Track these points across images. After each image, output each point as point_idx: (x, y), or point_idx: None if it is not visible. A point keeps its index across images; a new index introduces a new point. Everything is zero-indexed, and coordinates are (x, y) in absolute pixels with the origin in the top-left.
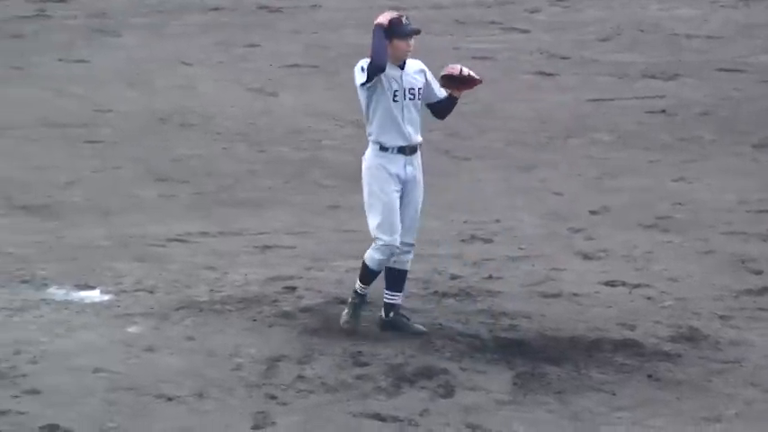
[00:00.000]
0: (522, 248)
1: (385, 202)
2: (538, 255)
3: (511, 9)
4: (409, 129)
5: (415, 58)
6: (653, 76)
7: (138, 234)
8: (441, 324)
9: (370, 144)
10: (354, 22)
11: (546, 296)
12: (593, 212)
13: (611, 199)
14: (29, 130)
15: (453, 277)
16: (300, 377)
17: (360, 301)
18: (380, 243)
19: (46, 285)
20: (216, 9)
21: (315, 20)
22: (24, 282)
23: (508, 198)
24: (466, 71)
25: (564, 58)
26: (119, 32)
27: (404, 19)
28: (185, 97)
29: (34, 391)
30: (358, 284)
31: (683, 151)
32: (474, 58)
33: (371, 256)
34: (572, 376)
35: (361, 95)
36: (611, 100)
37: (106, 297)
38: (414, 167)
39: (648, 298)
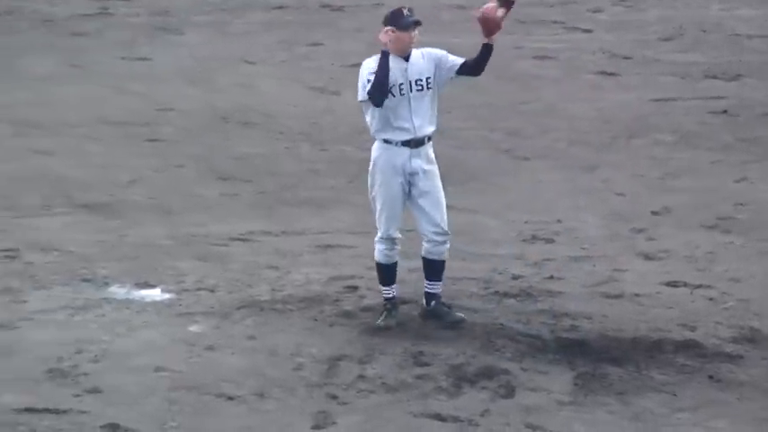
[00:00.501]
0: (583, 249)
1: (384, 195)
2: (599, 255)
3: (573, 8)
4: (417, 121)
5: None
6: (715, 77)
7: (200, 233)
8: (502, 324)
9: (376, 140)
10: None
11: (607, 296)
12: (654, 213)
13: (673, 199)
14: (90, 128)
15: (514, 277)
16: (361, 377)
17: (391, 305)
18: (380, 235)
19: (107, 284)
20: (279, 7)
21: (377, 18)
22: (86, 280)
23: (570, 198)
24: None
25: (626, 57)
26: (181, 30)
27: (405, 10)
28: (247, 96)
29: (95, 390)
30: (381, 289)
31: (745, 152)
32: (536, 57)
33: (377, 249)
34: (633, 377)
35: (361, 95)
36: (674, 100)
37: (167, 296)
38: (421, 159)
39: (710, 299)
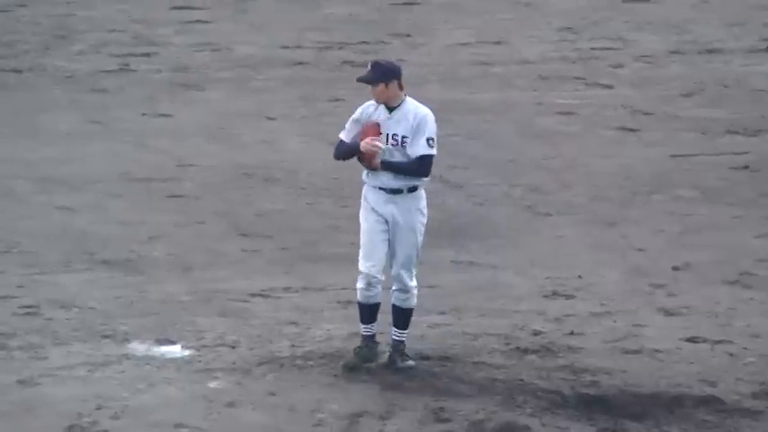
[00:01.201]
0: (603, 304)
1: (365, 230)
2: (620, 311)
3: (595, 64)
4: (387, 174)
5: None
6: (736, 132)
7: (221, 289)
8: (522, 380)
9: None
10: (438, 77)
11: (627, 352)
12: (675, 268)
13: (693, 255)
14: (111, 184)
15: (535, 333)
16: None
17: (364, 343)
18: (359, 270)
19: (127, 340)
20: (300, 63)
21: None
22: (106, 337)
23: (590, 254)
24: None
25: (647, 113)
26: (202, 87)
27: (368, 65)
28: (269, 152)
29: None
30: (360, 327)
31: (767, 207)
32: (557, 113)
33: (357, 288)
34: None
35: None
36: (695, 156)
37: (187, 352)
38: (398, 207)
39: (731, 354)
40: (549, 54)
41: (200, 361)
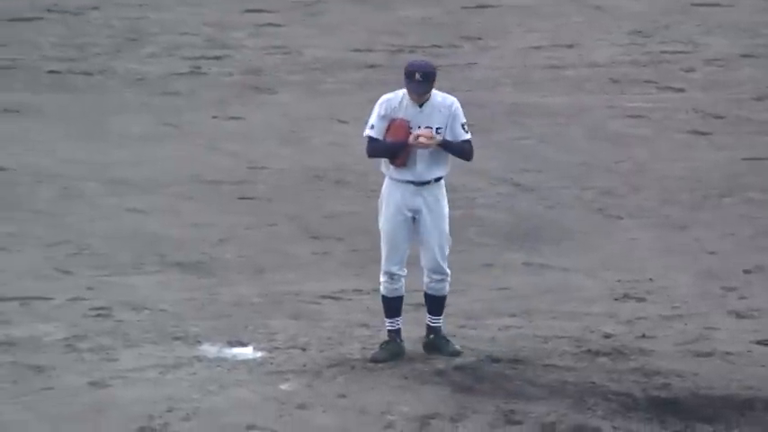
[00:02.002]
0: (675, 307)
1: (387, 230)
2: (691, 313)
3: (666, 68)
4: (419, 167)
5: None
6: None
7: (292, 291)
8: (593, 382)
9: (386, 176)
10: (510, 81)
11: (699, 355)
12: (746, 271)
13: (764, 258)
14: (183, 186)
15: (606, 336)
16: None
17: (391, 337)
18: (382, 269)
19: (199, 342)
20: (371, 67)
21: (470, 78)
22: (177, 339)
23: (661, 257)
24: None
25: (718, 117)
26: (274, 89)
27: (417, 75)
28: (340, 154)
29: None
30: (385, 321)
31: None
32: (628, 116)
33: (380, 283)
34: None
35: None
36: (766, 159)
37: (259, 354)
38: (425, 198)
39: None
40: (619, 57)
41: (271, 363)
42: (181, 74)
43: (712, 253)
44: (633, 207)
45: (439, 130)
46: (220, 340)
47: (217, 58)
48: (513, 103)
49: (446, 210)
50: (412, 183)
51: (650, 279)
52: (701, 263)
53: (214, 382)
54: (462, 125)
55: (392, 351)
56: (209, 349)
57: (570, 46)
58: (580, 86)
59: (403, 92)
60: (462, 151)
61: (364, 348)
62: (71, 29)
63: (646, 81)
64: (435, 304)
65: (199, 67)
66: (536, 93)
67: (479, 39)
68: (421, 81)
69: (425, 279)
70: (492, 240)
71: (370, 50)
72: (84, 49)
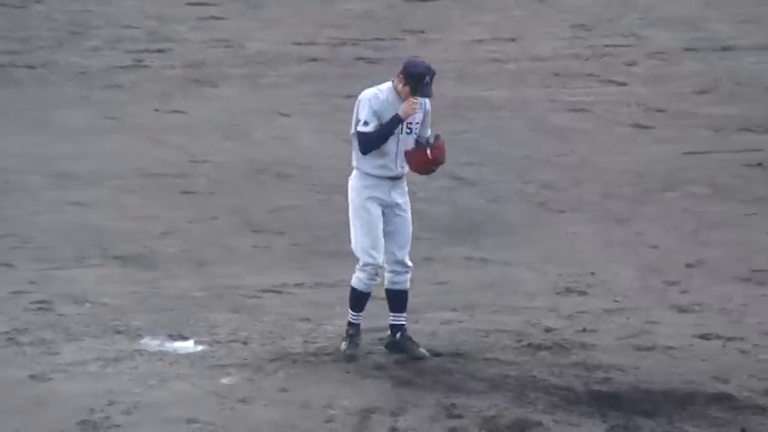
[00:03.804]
0: (616, 301)
1: (367, 222)
2: (632, 307)
3: (608, 62)
4: (398, 162)
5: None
6: (750, 130)
7: (233, 285)
8: (535, 376)
9: (355, 169)
10: (453, 74)
11: (640, 349)
12: (688, 265)
13: (706, 252)
14: (125, 180)
15: (548, 330)
16: (393, 429)
17: (354, 331)
18: (363, 263)
19: (140, 336)
20: (313, 60)
21: None
22: (119, 332)
23: (603, 250)
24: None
25: (660, 110)
26: (216, 83)
27: (427, 78)
28: (282, 148)
29: None
30: (349, 313)
31: None
32: (571, 110)
33: (355, 277)
34: (666, 429)
35: (354, 128)
36: (708, 153)
37: (200, 348)
38: (398, 193)
39: (743, 351)
40: (562, 51)
41: (212, 357)
42: (123, 67)
43: (654, 247)
44: (575, 201)
45: (417, 125)
46: (162, 334)
47: (159, 51)
48: (455, 96)
49: (409, 203)
50: (389, 178)
51: (592, 273)
52: (643, 257)
53: (155, 376)
54: (429, 124)
55: (360, 344)
56: (150, 343)
57: (513, 39)
58: (522, 80)
59: (387, 87)
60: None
61: (306, 342)
62: (14, 22)
63: (588, 75)
64: (399, 300)
65: (141, 61)
66: (478, 86)
67: (422, 32)
68: (429, 84)
69: (388, 274)
70: (433, 234)
71: (312, 44)
72: (26, 42)
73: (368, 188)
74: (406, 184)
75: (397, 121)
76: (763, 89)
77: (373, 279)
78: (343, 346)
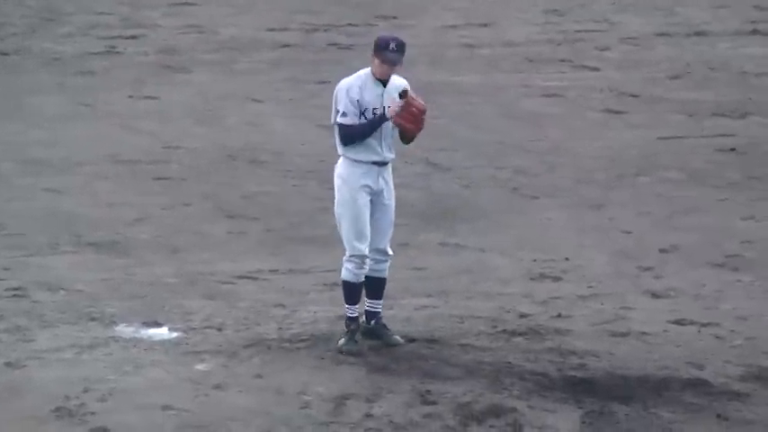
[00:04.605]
0: (590, 287)
1: (354, 212)
2: (607, 293)
3: (581, 47)
4: (384, 147)
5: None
6: (723, 115)
7: (207, 271)
8: (509, 362)
9: (342, 157)
10: (426, 59)
11: (614, 335)
12: (662, 251)
13: (680, 237)
14: (98, 166)
15: (522, 315)
16: (368, 415)
17: (355, 326)
18: (349, 253)
19: (114, 323)
20: (286, 46)
21: None
22: (93, 319)
23: (577, 236)
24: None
25: (633, 95)
26: (189, 69)
27: (392, 44)
28: (255, 134)
29: (103, 429)
30: (346, 308)
31: (753, 189)
32: (543, 95)
33: (344, 269)
34: (641, 415)
35: (334, 118)
36: (681, 138)
37: (175, 334)
38: (385, 179)
39: (718, 337)
40: (534, 36)
41: (187, 343)
42: (96, 53)
43: (628, 232)
44: (548, 186)
45: None
46: (136, 321)
47: (132, 37)
48: (428, 81)
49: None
50: (376, 164)
51: (566, 259)
52: (617, 242)
53: (130, 363)
54: None
55: (360, 340)
56: (124, 330)
57: (485, 25)
58: (495, 65)
59: (365, 73)
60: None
61: (280, 328)
62: None
63: (561, 60)
64: (376, 287)
65: (114, 47)
66: (451, 72)
67: (394, 17)
68: (395, 50)
69: (372, 260)
70: (407, 220)
71: (285, 29)
72: None
73: (356, 175)
74: (390, 170)
75: (381, 119)
76: (736, 74)
77: (361, 268)
78: (342, 341)
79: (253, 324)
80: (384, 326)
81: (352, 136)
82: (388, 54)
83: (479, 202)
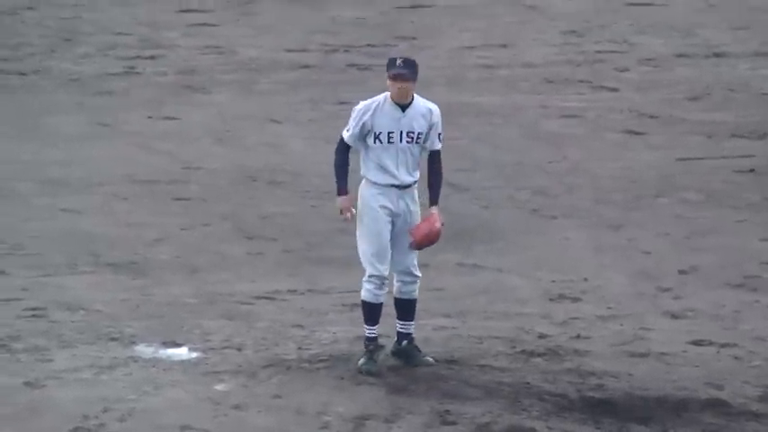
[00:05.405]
0: (610, 308)
1: (373, 233)
2: (626, 314)
3: (600, 68)
4: (401, 171)
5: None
6: (742, 136)
7: (226, 292)
8: (528, 383)
9: (363, 178)
10: (444, 80)
11: (634, 355)
12: (681, 272)
13: (699, 258)
14: (117, 186)
15: (541, 336)
16: None
17: (374, 346)
18: (368, 274)
19: (134, 343)
20: (305, 67)
21: None
22: (113, 339)
23: (596, 257)
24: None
25: (653, 117)
26: (208, 89)
27: (397, 61)
28: (274, 155)
29: None
30: (365, 328)
31: None
32: (563, 116)
33: (364, 289)
34: None
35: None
36: (700, 159)
37: (194, 355)
38: (406, 201)
39: (736, 358)
40: (553, 57)
41: (206, 363)
42: (115, 74)
43: (647, 253)
44: (567, 207)
45: (420, 136)
46: (155, 341)
47: (151, 57)
48: (447, 102)
49: (419, 211)
50: (395, 187)
51: (585, 279)
52: (636, 263)
53: (149, 383)
54: (439, 134)
55: (378, 360)
56: (144, 350)
57: (504, 46)
58: (514, 86)
59: (383, 96)
60: (441, 178)
61: (299, 349)
62: (5, 28)
63: (580, 81)
64: (406, 309)
65: (133, 67)
66: (470, 92)
67: (414, 38)
68: (403, 66)
69: (396, 283)
70: None
71: (304, 50)
72: (18, 49)
73: (375, 196)
74: (415, 193)
75: (338, 188)
76: (755, 95)
77: (381, 289)
78: (361, 361)
79: (272, 344)
80: (416, 347)
81: (337, 159)
82: (396, 70)
83: (498, 222)
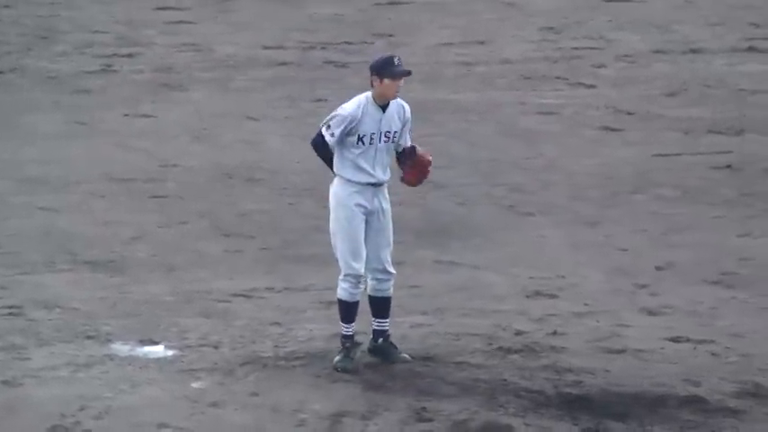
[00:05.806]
0: (586, 304)
1: (349, 231)
2: (602, 311)
3: (577, 64)
4: (377, 170)
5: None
6: (718, 132)
7: (203, 289)
8: (505, 380)
9: (337, 176)
10: (423, 77)
11: (610, 352)
12: (657, 268)
13: (675, 255)
14: (95, 185)
15: (518, 333)
16: None
17: (351, 343)
18: (344, 272)
19: (110, 341)
20: (282, 64)
21: None
22: (89, 337)
23: (572, 253)
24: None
25: (629, 113)
26: (185, 87)
27: (396, 59)
28: (251, 152)
29: None
30: (341, 326)
31: (749, 207)
32: (539, 113)
33: (340, 287)
34: None
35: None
36: (677, 155)
37: (170, 352)
38: (380, 199)
39: (713, 354)
40: (531, 54)
41: (183, 361)
42: (92, 72)
43: (623, 250)
44: (544, 204)
45: (396, 135)
46: (132, 339)
47: (128, 55)
48: (424, 99)
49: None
50: (371, 185)
51: (561, 276)
52: (612, 259)
53: (126, 381)
54: (409, 131)
55: (355, 358)
56: (120, 348)
57: (481, 42)
58: (491, 83)
59: (365, 97)
60: None
61: (276, 346)
62: None
63: (557, 77)
64: (381, 306)
65: (110, 65)
66: (447, 89)
67: (391, 35)
68: (401, 64)
69: (371, 281)
70: (402, 238)
71: (281, 48)
72: None
73: (351, 195)
74: (386, 190)
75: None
76: (731, 91)
77: (357, 288)
78: (338, 358)
79: (249, 342)
80: (392, 344)
81: (321, 154)
82: (396, 69)
83: (475, 219)
